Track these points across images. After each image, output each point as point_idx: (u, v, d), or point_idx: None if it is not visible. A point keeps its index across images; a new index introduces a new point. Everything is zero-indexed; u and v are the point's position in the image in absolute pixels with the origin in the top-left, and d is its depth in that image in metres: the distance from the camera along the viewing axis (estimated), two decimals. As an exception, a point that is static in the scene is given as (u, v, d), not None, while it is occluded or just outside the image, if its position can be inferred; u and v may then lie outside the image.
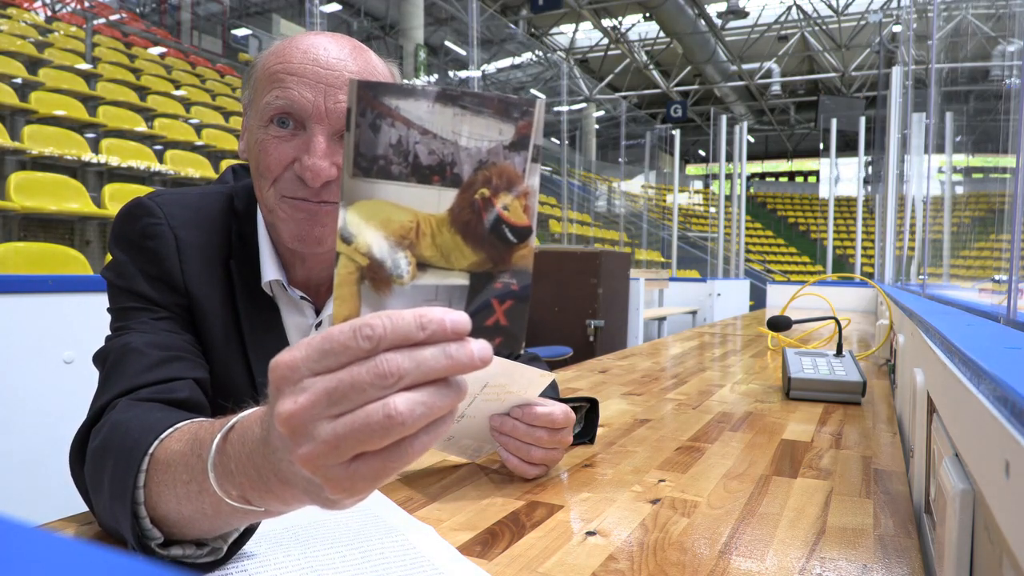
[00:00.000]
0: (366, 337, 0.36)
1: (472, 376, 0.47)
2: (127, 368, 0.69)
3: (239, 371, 0.81)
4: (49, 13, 9.20)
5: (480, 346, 0.38)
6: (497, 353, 0.40)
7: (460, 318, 0.38)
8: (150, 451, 0.54)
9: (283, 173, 0.75)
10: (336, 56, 0.76)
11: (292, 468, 0.39)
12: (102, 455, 0.58)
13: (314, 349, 0.37)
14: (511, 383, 0.74)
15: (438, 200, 0.41)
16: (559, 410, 0.77)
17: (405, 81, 0.49)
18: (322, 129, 0.74)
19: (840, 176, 21.56)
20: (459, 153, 0.41)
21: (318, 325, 0.87)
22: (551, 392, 0.91)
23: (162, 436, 0.54)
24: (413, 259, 0.41)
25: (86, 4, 9.87)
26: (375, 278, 0.41)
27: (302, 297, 0.85)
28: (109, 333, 0.76)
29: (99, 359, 0.73)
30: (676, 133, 12.40)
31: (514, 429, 0.76)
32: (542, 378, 0.75)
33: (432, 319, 0.37)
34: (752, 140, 27.63)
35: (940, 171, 4.47)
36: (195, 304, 0.78)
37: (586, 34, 21.81)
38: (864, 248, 9.83)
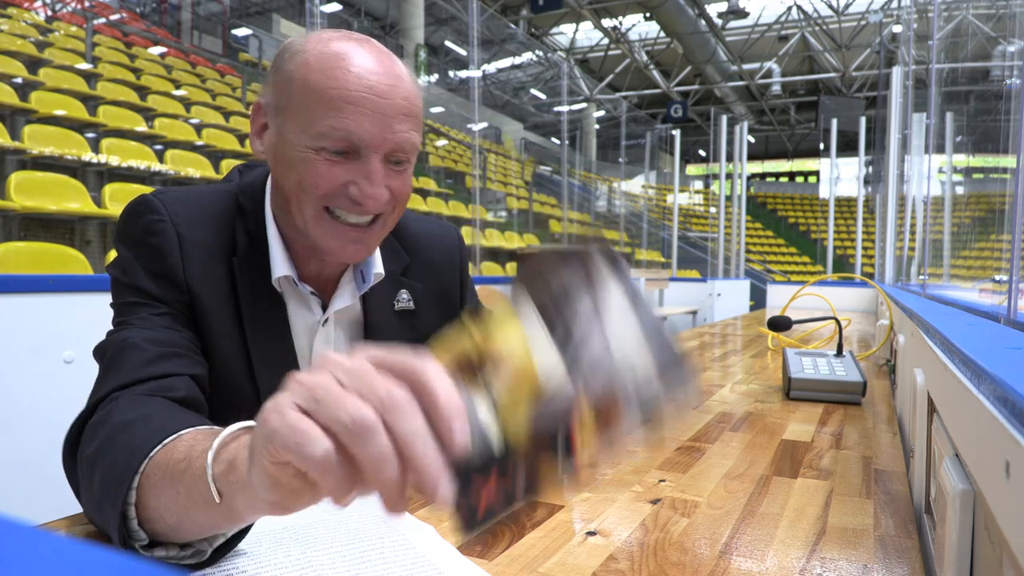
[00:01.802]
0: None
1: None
2: (125, 363, 0.70)
3: (240, 367, 0.81)
4: (49, 13, 9.20)
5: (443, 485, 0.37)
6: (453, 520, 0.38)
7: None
8: (151, 455, 0.54)
9: (333, 193, 0.77)
10: (387, 83, 0.77)
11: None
12: (100, 454, 0.59)
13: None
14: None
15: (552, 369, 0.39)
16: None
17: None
18: (377, 156, 0.77)
19: (840, 176, 21.55)
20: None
21: (324, 322, 0.88)
22: None
23: (165, 442, 0.55)
24: (484, 384, 0.39)
25: (86, 4, 9.87)
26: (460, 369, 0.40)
27: (311, 292, 0.86)
28: (111, 328, 0.77)
29: (99, 353, 0.74)
30: (676, 133, 12.39)
31: None
32: None
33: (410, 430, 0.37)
34: (752, 140, 27.63)
35: (940, 171, 4.48)
36: (196, 301, 0.79)
37: (586, 34, 21.80)
38: (864, 248, 9.83)
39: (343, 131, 0.74)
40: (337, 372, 0.39)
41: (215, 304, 0.80)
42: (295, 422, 0.37)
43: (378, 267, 0.91)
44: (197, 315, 0.79)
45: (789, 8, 19.42)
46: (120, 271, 0.79)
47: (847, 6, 18.74)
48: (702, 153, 30.45)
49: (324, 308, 0.88)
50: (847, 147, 14.84)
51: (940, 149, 4.22)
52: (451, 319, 1.04)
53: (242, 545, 0.57)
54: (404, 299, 0.95)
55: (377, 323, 0.92)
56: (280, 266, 0.83)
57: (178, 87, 8.13)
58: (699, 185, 26.34)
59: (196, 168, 5.90)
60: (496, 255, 7.81)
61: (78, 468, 0.62)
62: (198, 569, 0.55)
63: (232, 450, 0.47)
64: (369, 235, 0.81)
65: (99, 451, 0.59)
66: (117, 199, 4.56)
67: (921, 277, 3.46)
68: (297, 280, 0.85)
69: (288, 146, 0.77)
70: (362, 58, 0.77)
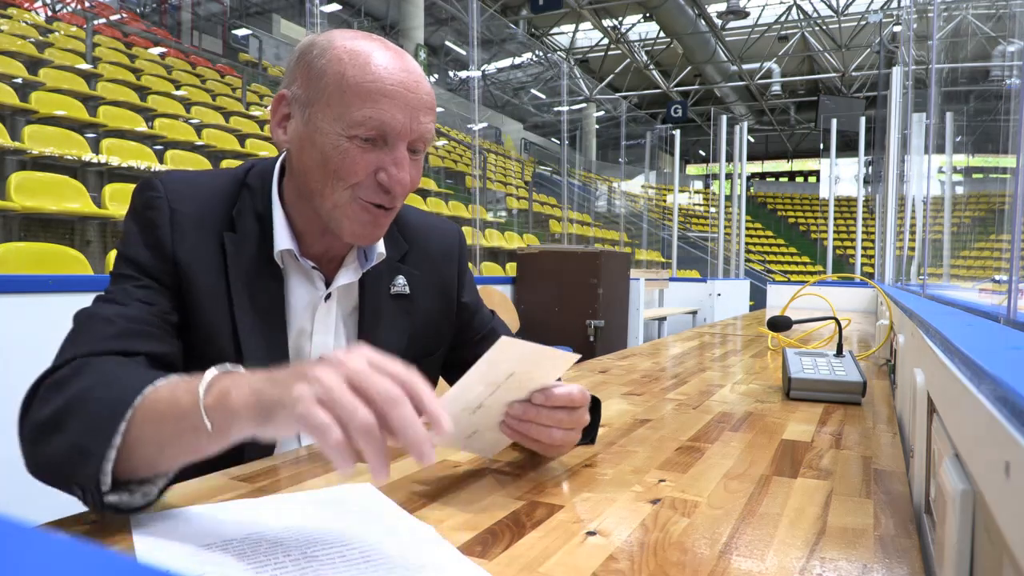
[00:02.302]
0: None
1: (499, 367, 0.61)
2: (93, 333, 0.76)
3: (225, 333, 0.87)
4: (49, 13, 9.20)
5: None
6: None
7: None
8: (134, 403, 0.61)
9: (363, 179, 0.85)
10: (415, 80, 0.86)
11: (287, 416, 0.54)
12: (75, 405, 0.65)
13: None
14: (536, 368, 0.71)
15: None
16: (576, 390, 0.77)
17: None
18: (403, 144, 0.85)
19: (840, 176, 21.55)
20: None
21: (327, 297, 0.94)
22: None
23: (146, 391, 0.62)
24: None
25: (86, 4, 9.88)
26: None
27: (313, 267, 0.93)
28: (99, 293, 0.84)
29: (75, 318, 0.80)
30: (676, 133, 12.39)
31: (537, 415, 0.76)
32: (567, 360, 0.73)
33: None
34: (752, 140, 27.61)
35: (940, 171, 4.47)
36: (182, 271, 0.86)
37: (586, 34, 21.80)
38: (864, 248, 9.83)
39: (378, 120, 0.82)
40: (349, 372, 0.53)
41: (204, 274, 0.86)
42: (320, 419, 0.51)
43: (380, 247, 0.97)
44: (185, 284, 0.86)
45: (789, 8, 19.42)
46: (121, 242, 0.88)
47: (847, 6, 18.74)
48: (702, 153, 30.45)
49: (327, 284, 0.94)
50: (847, 147, 14.84)
51: (940, 149, 4.22)
52: (446, 310, 1.09)
53: (242, 545, 0.57)
54: (400, 284, 1.01)
55: (373, 304, 0.97)
56: (282, 240, 0.90)
57: (178, 87, 8.13)
58: (699, 185, 26.35)
59: (196, 168, 5.90)
60: (496, 255, 7.81)
61: (34, 423, 0.68)
62: (144, 510, 0.63)
63: (224, 385, 0.58)
64: (387, 219, 0.89)
65: (74, 402, 0.65)
66: (117, 199, 4.56)
67: (921, 277, 3.46)
68: (299, 255, 0.91)
69: (320, 134, 0.84)
70: (389, 57, 0.85)
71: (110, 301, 0.81)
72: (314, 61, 0.85)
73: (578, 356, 0.77)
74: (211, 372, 0.60)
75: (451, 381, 1.15)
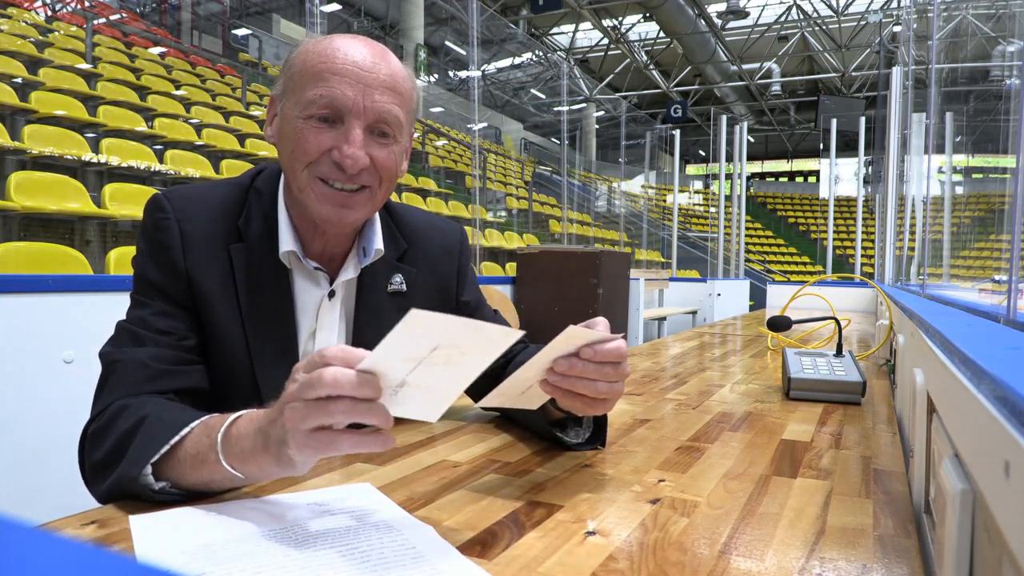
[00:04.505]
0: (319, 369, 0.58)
1: (418, 340, 0.58)
2: (128, 378, 0.81)
3: (238, 345, 0.90)
4: (49, 13, 9.20)
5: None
6: None
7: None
8: (181, 433, 0.68)
9: (320, 158, 0.87)
10: (372, 60, 0.87)
11: (275, 431, 0.60)
12: (130, 434, 0.71)
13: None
14: (467, 343, 0.62)
15: None
16: (622, 343, 0.75)
17: None
18: (359, 123, 0.86)
19: (840, 176, 21.54)
20: None
21: (331, 295, 0.97)
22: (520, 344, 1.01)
23: (192, 425, 0.69)
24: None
25: (86, 4, 9.88)
26: None
27: (316, 268, 0.95)
28: (122, 318, 0.88)
29: (103, 360, 0.84)
30: (676, 133, 12.38)
31: (584, 369, 0.74)
32: (506, 337, 0.62)
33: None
34: (752, 140, 27.62)
35: (940, 171, 4.47)
36: (196, 285, 0.89)
37: (586, 34, 21.80)
38: (864, 248, 9.83)
39: (328, 97, 0.84)
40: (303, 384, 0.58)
41: (215, 288, 0.89)
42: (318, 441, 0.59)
43: (378, 243, 0.99)
44: (198, 298, 0.89)
45: (789, 8, 19.41)
46: (136, 263, 0.91)
47: (847, 6, 18.73)
48: (702, 153, 30.45)
49: (331, 281, 0.97)
50: (847, 147, 14.84)
51: (940, 149, 4.22)
52: (445, 308, 1.06)
53: (242, 545, 0.57)
54: (397, 282, 1.02)
55: (370, 302, 0.99)
56: (286, 242, 0.92)
57: (178, 87, 8.13)
58: (699, 185, 26.34)
59: (196, 168, 5.89)
60: (496, 255, 7.81)
61: (92, 466, 0.75)
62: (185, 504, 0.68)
63: (241, 432, 0.64)
64: (355, 202, 0.89)
65: (123, 438, 0.71)
66: (117, 199, 4.55)
67: (921, 277, 3.46)
68: (302, 256, 0.93)
69: (286, 121, 0.88)
70: (355, 46, 0.88)
71: (133, 337, 0.85)
72: (291, 59, 0.90)
73: (520, 333, 0.62)
74: (230, 419, 0.67)
75: None
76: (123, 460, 0.69)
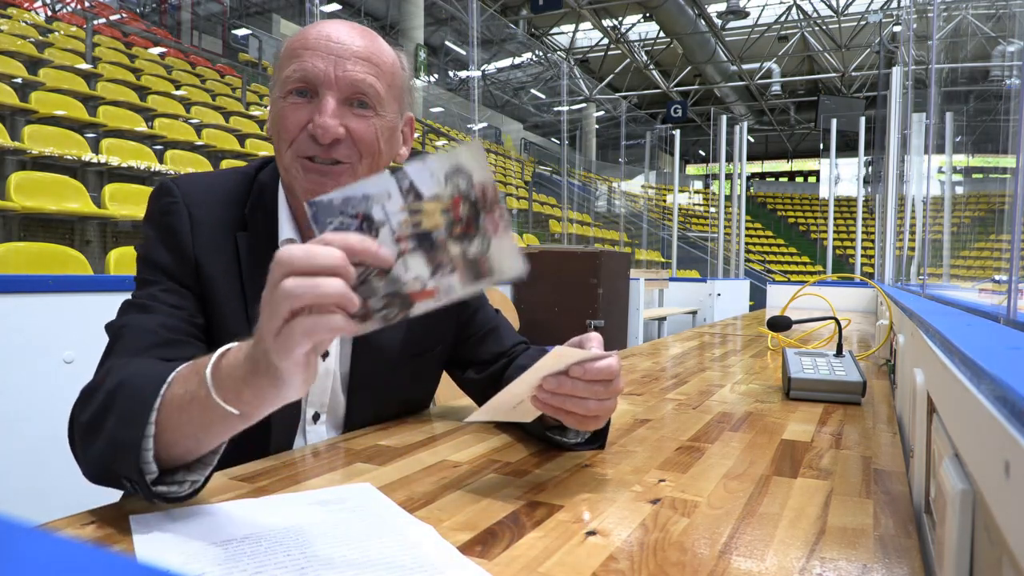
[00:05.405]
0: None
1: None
2: (132, 343, 0.79)
3: (241, 329, 0.90)
4: (49, 13, 9.21)
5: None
6: None
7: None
8: (168, 380, 0.64)
9: (299, 135, 0.87)
10: (346, 34, 0.88)
11: (262, 349, 0.55)
12: (107, 407, 0.66)
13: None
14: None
15: None
16: (615, 361, 0.75)
17: None
18: (332, 94, 0.86)
19: (840, 176, 21.55)
20: None
21: None
22: None
23: (175, 373, 0.65)
24: None
25: (86, 4, 9.88)
26: None
27: None
28: (127, 299, 0.87)
29: (108, 329, 0.83)
30: (676, 133, 12.38)
31: (573, 388, 0.74)
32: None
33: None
34: (752, 140, 27.61)
35: (940, 171, 4.47)
36: (202, 270, 0.89)
37: (586, 34, 21.80)
38: (864, 248, 9.83)
39: (300, 71, 0.86)
40: (284, 273, 0.55)
41: (221, 275, 0.90)
42: (300, 327, 0.53)
43: None
44: (204, 281, 0.89)
45: (789, 8, 19.42)
46: (142, 247, 0.91)
47: (847, 6, 18.74)
48: (702, 153, 30.45)
49: None
50: (847, 147, 14.84)
51: (940, 149, 4.22)
52: (445, 308, 1.06)
53: (242, 545, 0.57)
54: None
55: None
56: (286, 231, 0.94)
57: (178, 87, 8.13)
58: (699, 185, 26.35)
59: (196, 168, 5.90)
60: (496, 255, 7.78)
61: (79, 428, 0.70)
62: (191, 498, 0.65)
63: (230, 362, 0.59)
64: (334, 173, 0.88)
65: (108, 401, 0.67)
66: (117, 199, 4.56)
67: (921, 277, 3.46)
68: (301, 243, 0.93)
69: (272, 106, 0.90)
70: (333, 25, 0.89)
71: (141, 308, 0.83)
72: (279, 51, 0.93)
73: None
74: (217, 353, 0.61)
75: (456, 378, 1.15)
76: (114, 421, 0.65)
